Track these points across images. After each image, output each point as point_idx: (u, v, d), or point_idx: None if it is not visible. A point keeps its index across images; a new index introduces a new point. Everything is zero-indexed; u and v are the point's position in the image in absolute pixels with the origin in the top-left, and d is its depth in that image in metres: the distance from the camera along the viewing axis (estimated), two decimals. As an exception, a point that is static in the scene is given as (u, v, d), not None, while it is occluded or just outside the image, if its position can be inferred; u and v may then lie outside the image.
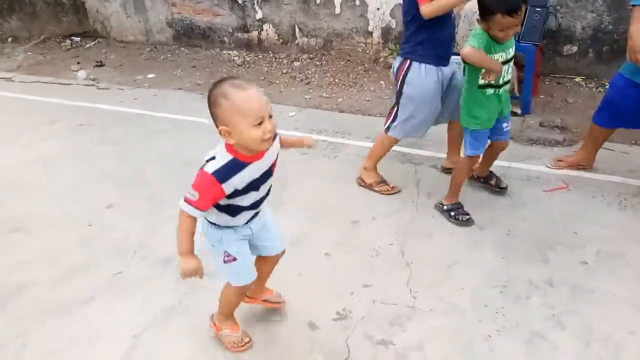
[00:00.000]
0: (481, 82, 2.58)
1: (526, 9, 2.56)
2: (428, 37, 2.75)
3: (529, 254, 2.59)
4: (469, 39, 2.50)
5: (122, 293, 2.43)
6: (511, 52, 2.59)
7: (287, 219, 2.82)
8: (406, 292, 2.37)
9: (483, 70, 2.50)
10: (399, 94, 2.92)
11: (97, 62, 6.32)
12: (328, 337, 2.14)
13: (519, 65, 3.95)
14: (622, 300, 2.28)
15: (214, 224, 1.83)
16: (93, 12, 7.22)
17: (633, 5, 2.69)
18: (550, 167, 3.35)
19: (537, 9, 4.05)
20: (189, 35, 6.68)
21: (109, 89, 5.47)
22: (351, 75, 5.46)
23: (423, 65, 2.80)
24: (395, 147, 3.21)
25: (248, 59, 6.14)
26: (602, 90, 4.57)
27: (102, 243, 2.81)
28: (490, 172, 3.14)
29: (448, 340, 2.11)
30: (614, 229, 2.76)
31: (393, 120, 3.01)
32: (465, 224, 2.84)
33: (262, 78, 5.58)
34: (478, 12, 2.50)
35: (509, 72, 2.63)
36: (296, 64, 5.88)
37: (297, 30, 6.03)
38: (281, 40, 6.17)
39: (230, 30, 6.39)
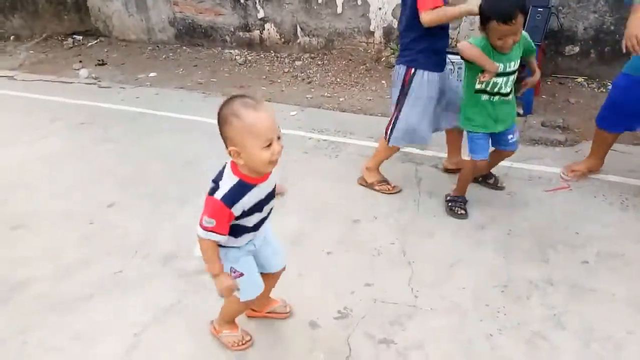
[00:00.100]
0: (477, 86, 2.60)
1: (525, 16, 2.56)
2: (429, 46, 2.76)
3: (530, 254, 2.59)
4: (469, 39, 2.52)
5: (123, 291, 2.44)
6: (512, 65, 2.56)
7: (289, 218, 2.83)
8: (407, 291, 2.37)
9: (479, 74, 2.52)
10: (402, 101, 2.90)
11: (99, 60, 6.33)
12: (329, 335, 2.14)
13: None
14: (623, 300, 2.27)
15: (219, 245, 1.80)
16: (95, 10, 7.23)
17: (626, 5, 2.72)
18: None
19: (539, 9, 4.06)
20: (191, 34, 6.69)
21: (111, 87, 5.48)
22: (353, 75, 5.47)
23: (426, 72, 2.82)
24: (396, 147, 3.21)
25: (250, 58, 6.15)
26: (604, 90, 4.57)
27: (103, 241, 2.82)
28: (490, 172, 3.15)
29: (449, 339, 2.11)
30: (615, 228, 2.76)
31: (392, 130, 2.99)
32: (457, 217, 2.87)
33: (264, 77, 5.58)
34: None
35: (507, 85, 2.61)
36: (298, 63, 5.89)
37: (298, 29, 6.03)
38: (283, 40, 6.17)
39: (232, 30, 6.40)
